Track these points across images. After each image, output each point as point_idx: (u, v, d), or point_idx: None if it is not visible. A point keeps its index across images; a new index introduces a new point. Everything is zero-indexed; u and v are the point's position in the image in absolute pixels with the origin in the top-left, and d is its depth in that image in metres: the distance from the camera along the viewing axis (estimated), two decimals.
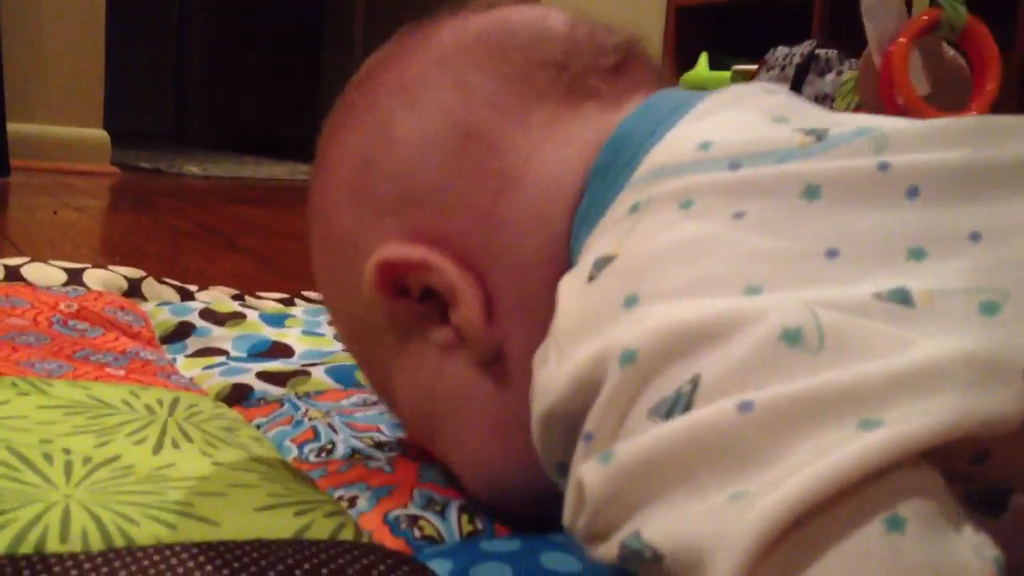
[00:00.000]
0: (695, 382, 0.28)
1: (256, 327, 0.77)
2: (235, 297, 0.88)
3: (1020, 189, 0.31)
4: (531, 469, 0.36)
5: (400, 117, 0.44)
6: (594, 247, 0.36)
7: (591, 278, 0.34)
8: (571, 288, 0.35)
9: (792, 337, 0.27)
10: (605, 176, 0.39)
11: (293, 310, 0.85)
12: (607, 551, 0.29)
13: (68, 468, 0.46)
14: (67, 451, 0.48)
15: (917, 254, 0.30)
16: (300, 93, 4.71)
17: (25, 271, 0.84)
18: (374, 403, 0.63)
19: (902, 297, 0.29)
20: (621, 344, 0.29)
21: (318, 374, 0.66)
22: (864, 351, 0.27)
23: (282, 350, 0.73)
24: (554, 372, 0.32)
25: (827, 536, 0.25)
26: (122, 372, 0.63)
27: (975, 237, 0.30)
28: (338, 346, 0.75)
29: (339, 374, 0.67)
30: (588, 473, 0.29)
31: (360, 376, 0.67)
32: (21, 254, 1.15)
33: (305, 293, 0.93)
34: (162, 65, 5.25)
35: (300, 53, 4.73)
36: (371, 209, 0.44)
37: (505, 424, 0.42)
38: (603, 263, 0.33)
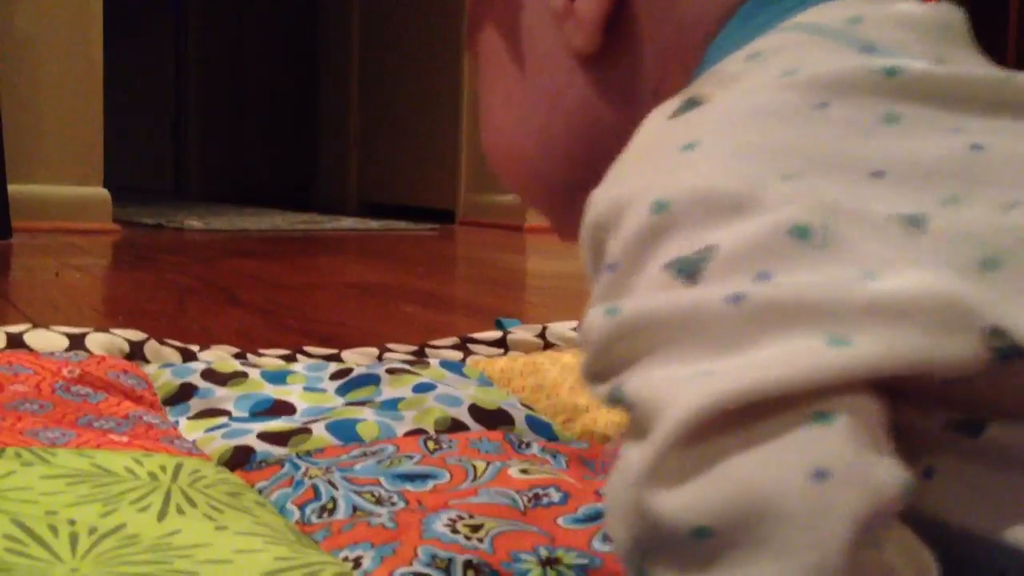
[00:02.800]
0: (711, 250, 0.30)
1: (258, 385, 0.78)
2: (237, 355, 0.89)
3: None
4: (540, 159, 0.42)
5: None
6: (699, 83, 0.37)
7: (673, 115, 0.35)
8: (653, 120, 0.36)
9: (800, 232, 0.29)
10: (767, 7, 0.39)
11: (295, 366, 0.86)
12: (601, 392, 0.31)
13: (74, 540, 0.47)
14: (72, 522, 0.48)
15: (953, 200, 0.31)
16: (298, 144, 4.74)
17: (27, 338, 0.85)
18: (373, 454, 0.63)
19: (916, 222, 0.30)
20: (659, 193, 0.31)
21: (319, 431, 0.66)
22: (855, 260, 0.29)
23: (284, 408, 0.73)
24: (603, 190, 0.34)
25: (763, 430, 0.27)
26: (125, 438, 0.64)
27: (1016, 205, 0.30)
28: (338, 401, 0.76)
29: (340, 429, 0.67)
30: (596, 320, 0.31)
31: (360, 430, 0.67)
32: (24, 317, 1.16)
33: (306, 348, 0.94)
34: (160, 121, 5.29)
35: (296, 105, 4.77)
36: None
37: (539, 104, 0.43)
38: (690, 105, 0.35)
